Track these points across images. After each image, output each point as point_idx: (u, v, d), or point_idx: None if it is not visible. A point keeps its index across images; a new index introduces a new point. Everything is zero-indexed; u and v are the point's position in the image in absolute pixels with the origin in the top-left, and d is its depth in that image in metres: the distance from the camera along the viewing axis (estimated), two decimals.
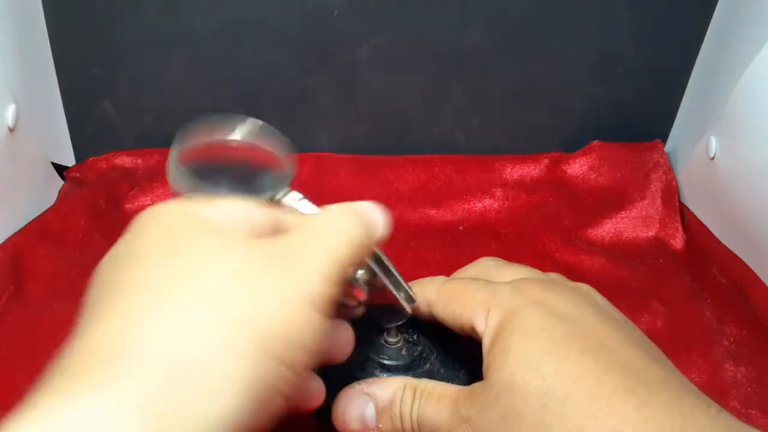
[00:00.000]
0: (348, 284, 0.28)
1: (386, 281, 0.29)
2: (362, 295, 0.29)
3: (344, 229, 0.25)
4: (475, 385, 0.25)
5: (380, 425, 0.27)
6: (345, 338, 0.27)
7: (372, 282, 0.29)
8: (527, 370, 0.23)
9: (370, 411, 0.27)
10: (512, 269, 0.30)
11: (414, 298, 0.30)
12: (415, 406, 0.26)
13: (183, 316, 0.18)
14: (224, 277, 0.20)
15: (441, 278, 0.31)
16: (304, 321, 0.20)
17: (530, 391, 0.23)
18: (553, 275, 0.30)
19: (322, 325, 0.21)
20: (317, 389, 0.27)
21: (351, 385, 0.28)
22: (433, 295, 0.30)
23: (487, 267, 0.32)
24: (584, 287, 0.28)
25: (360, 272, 0.29)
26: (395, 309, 0.31)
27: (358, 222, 0.26)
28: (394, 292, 0.29)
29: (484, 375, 0.25)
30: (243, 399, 0.18)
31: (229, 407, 0.18)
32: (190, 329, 0.18)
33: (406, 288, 0.30)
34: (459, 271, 0.34)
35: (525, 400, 0.23)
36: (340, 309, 0.29)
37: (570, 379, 0.22)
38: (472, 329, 0.27)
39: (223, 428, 0.17)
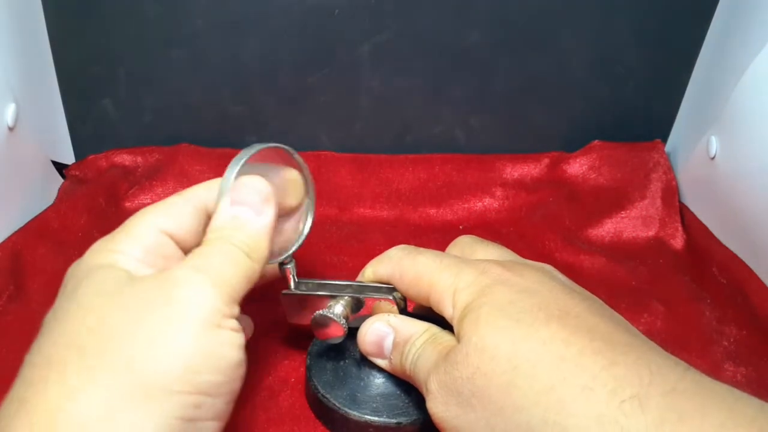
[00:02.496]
0: (329, 325, 0.31)
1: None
2: (342, 332, 0.31)
3: (225, 252, 0.26)
4: (451, 348, 0.26)
5: (391, 357, 0.29)
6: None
7: (348, 314, 0.31)
8: (497, 335, 0.24)
9: (388, 341, 0.29)
10: (484, 248, 0.31)
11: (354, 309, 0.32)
12: (422, 348, 0.27)
13: (83, 388, 0.21)
14: (120, 335, 0.22)
15: (396, 250, 0.31)
16: (200, 346, 0.23)
17: (500, 354, 0.23)
18: (516, 256, 0.31)
19: (220, 340, 0.23)
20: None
21: (383, 314, 0.30)
22: (396, 273, 0.30)
23: (461, 244, 0.33)
24: (547, 267, 0.29)
25: (338, 311, 0.31)
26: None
27: (237, 245, 0.26)
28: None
29: (456, 338, 0.26)
30: None
31: None
32: (89, 401, 0.21)
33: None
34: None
35: (494, 362, 0.23)
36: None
37: (539, 342, 0.23)
38: (439, 309, 0.28)
39: None
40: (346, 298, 0.32)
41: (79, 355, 0.22)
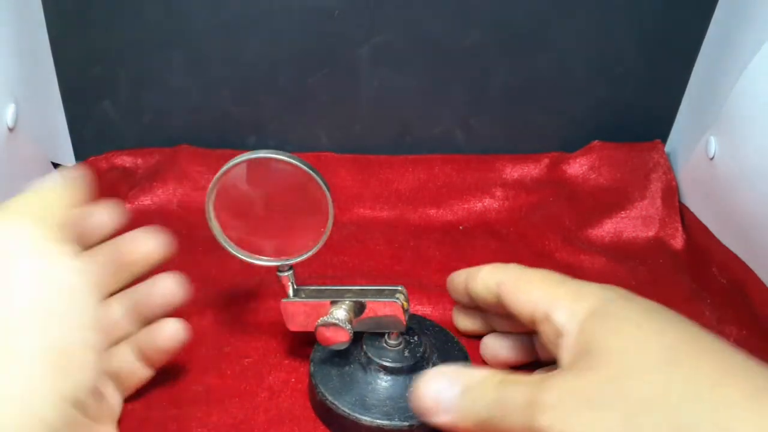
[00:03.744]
0: (333, 331, 0.31)
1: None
2: (348, 337, 0.31)
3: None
4: (563, 366, 0.25)
5: (460, 404, 0.26)
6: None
7: (351, 319, 0.31)
8: (647, 338, 0.23)
9: (453, 390, 0.26)
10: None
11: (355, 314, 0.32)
12: (497, 389, 0.25)
13: None
14: None
15: (515, 266, 0.31)
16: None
17: (653, 352, 0.22)
18: None
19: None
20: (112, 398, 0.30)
21: (433, 369, 0.28)
22: (512, 277, 0.30)
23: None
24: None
25: (342, 316, 0.31)
26: (391, 323, 0.32)
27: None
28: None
29: (572, 355, 0.25)
30: None
31: None
32: None
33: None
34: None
35: (647, 358, 0.22)
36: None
37: (699, 349, 0.22)
38: (545, 318, 0.27)
39: None
40: (347, 302, 0.31)
41: None
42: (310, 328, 0.32)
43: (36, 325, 0.21)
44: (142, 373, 0.31)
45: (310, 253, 0.31)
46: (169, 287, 0.31)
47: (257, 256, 0.32)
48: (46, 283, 0.22)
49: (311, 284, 0.33)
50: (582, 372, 0.23)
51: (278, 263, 0.32)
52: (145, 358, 0.31)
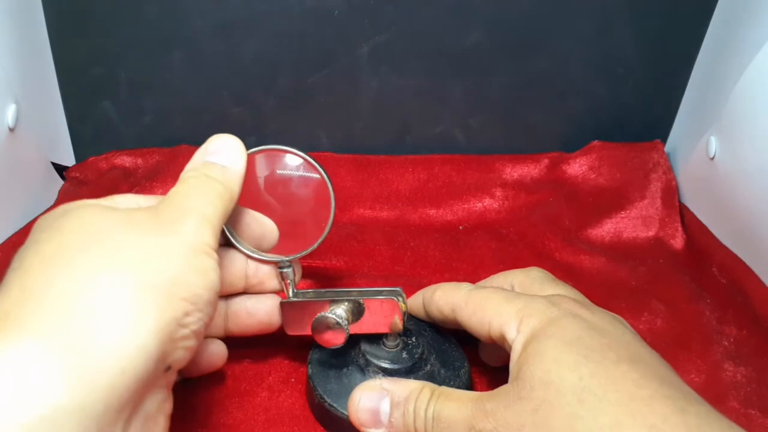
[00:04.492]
0: (330, 328, 0.31)
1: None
2: (344, 336, 0.31)
3: (205, 193, 0.27)
4: (503, 386, 0.26)
5: (392, 419, 0.28)
6: (238, 268, 0.32)
7: (349, 318, 0.31)
8: (565, 369, 0.24)
9: (385, 405, 0.28)
10: (554, 285, 0.31)
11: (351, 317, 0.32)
12: (432, 404, 0.27)
13: (93, 279, 0.22)
14: (123, 244, 0.23)
15: (466, 285, 0.32)
16: (192, 264, 0.24)
17: (567, 387, 0.23)
18: (586, 299, 0.31)
19: (207, 264, 0.25)
20: (219, 351, 0.32)
21: (372, 379, 0.29)
22: (461, 301, 0.31)
23: (532, 277, 0.32)
24: (616, 315, 0.29)
25: (340, 313, 0.31)
26: (389, 323, 0.32)
27: (214, 183, 0.28)
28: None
29: (512, 375, 0.26)
30: (155, 334, 0.22)
31: (143, 341, 0.21)
32: (100, 289, 0.21)
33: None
34: (501, 274, 0.35)
35: (560, 394, 0.23)
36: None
37: (608, 381, 0.23)
38: (501, 336, 0.28)
39: (141, 358, 0.21)
40: (346, 302, 0.31)
41: (84, 251, 0.22)
42: (308, 332, 0.32)
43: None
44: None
45: (311, 249, 0.32)
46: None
47: (259, 250, 0.32)
48: (196, 273, 0.24)
49: (311, 288, 0.33)
50: (513, 400, 0.25)
51: (279, 259, 0.32)
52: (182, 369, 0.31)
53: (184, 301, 0.23)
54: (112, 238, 0.23)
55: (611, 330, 0.26)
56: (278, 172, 0.31)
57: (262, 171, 0.31)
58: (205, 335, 0.26)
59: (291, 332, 0.33)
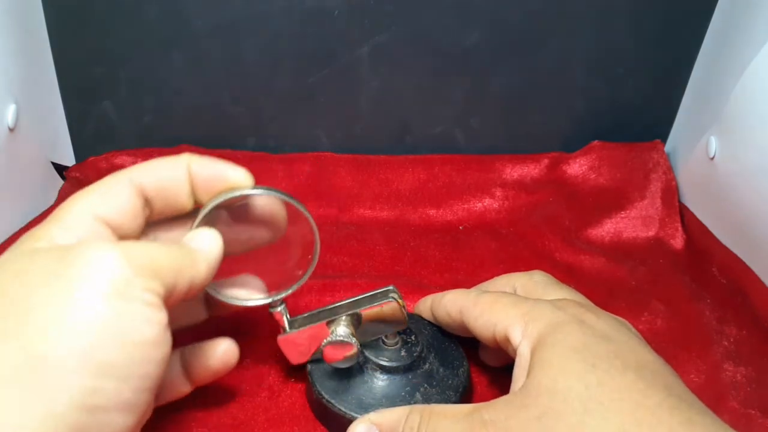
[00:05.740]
0: (340, 349, 0.30)
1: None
2: (356, 350, 0.30)
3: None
4: (503, 396, 0.25)
5: None
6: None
7: (353, 331, 0.31)
8: (571, 378, 0.24)
9: None
10: (558, 288, 0.31)
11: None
12: (423, 427, 0.26)
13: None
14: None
15: (474, 291, 0.32)
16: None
17: (573, 396, 0.23)
18: (591, 303, 0.30)
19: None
20: (231, 349, 0.29)
21: (361, 417, 0.28)
22: (470, 303, 0.30)
23: (535, 281, 0.32)
24: (621, 319, 0.29)
25: (342, 332, 0.30)
26: (392, 323, 0.31)
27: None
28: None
29: (516, 382, 0.26)
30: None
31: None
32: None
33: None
34: (503, 276, 0.35)
35: (566, 403, 0.23)
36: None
37: (614, 390, 0.23)
38: (506, 339, 0.27)
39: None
40: (343, 317, 0.31)
41: None
42: (310, 357, 0.32)
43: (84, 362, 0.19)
44: (183, 388, 0.30)
45: (299, 283, 0.31)
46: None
47: (245, 297, 0.30)
48: (103, 330, 0.20)
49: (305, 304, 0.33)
50: (517, 408, 0.24)
51: (269, 300, 0.31)
52: (191, 374, 0.29)
53: (87, 376, 0.19)
54: (5, 302, 0.20)
55: (617, 336, 0.26)
56: (251, 213, 0.29)
57: (233, 216, 0.29)
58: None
59: (296, 362, 0.32)
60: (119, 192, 0.26)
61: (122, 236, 0.25)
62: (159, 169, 0.27)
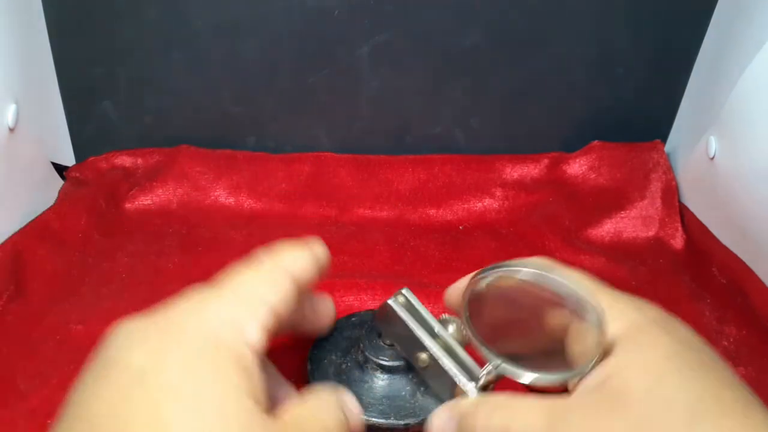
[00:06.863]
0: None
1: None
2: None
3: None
4: (578, 393, 0.24)
5: None
6: None
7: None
8: (672, 387, 0.22)
9: (452, 423, 0.26)
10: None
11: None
12: (496, 417, 0.24)
13: None
14: None
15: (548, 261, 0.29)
16: None
17: (679, 405, 0.22)
18: None
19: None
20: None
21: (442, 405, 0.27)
22: (548, 263, 0.28)
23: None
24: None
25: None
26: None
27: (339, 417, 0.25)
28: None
29: (594, 381, 0.24)
30: None
31: None
32: None
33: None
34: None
35: (670, 412, 0.22)
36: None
37: (719, 403, 0.22)
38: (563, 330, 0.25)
39: None
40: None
41: None
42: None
43: None
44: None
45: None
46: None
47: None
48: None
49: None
50: (601, 410, 0.22)
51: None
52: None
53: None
54: None
55: (696, 344, 0.25)
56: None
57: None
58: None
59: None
60: (287, 288, 0.25)
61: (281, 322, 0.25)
62: (307, 265, 0.27)
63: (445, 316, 0.30)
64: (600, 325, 0.24)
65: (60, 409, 0.20)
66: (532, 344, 0.27)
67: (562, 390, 0.25)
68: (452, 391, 0.28)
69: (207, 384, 0.20)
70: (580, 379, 0.24)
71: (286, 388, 0.28)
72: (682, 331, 0.25)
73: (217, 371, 0.21)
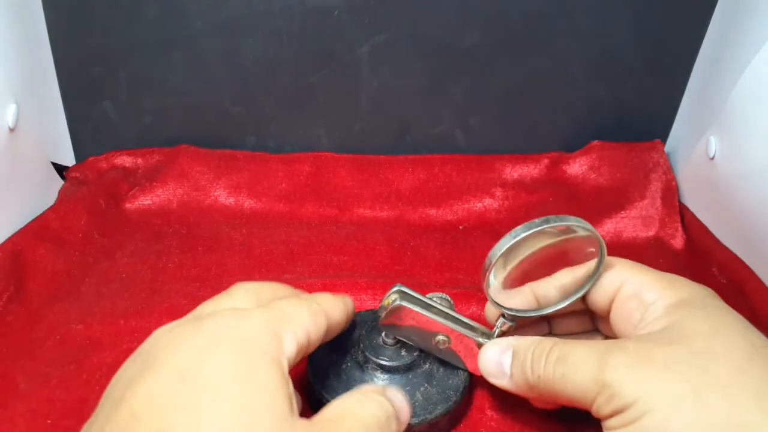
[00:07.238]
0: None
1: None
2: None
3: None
4: (638, 336, 0.26)
5: (513, 370, 0.28)
6: None
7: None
8: (735, 332, 0.24)
9: (507, 358, 0.29)
10: None
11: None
12: (556, 349, 0.27)
13: None
14: None
15: None
16: None
17: (739, 344, 0.24)
18: None
19: None
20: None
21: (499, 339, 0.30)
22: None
23: None
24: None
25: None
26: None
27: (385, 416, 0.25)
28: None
29: (641, 334, 0.26)
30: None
31: None
32: None
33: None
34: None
35: (730, 349, 0.24)
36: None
37: None
38: (635, 294, 0.28)
39: None
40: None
41: None
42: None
43: None
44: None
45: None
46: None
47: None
48: None
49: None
50: (660, 343, 0.24)
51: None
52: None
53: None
54: None
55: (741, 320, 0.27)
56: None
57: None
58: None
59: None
60: (322, 325, 0.27)
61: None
62: (340, 311, 0.29)
63: (431, 294, 0.32)
64: (602, 251, 0.28)
65: (59, 409, 0.21)
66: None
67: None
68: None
69: (247, 386, 0.21)
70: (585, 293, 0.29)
71: (298, 398, 0.29)
72: (723, 304, 0.27)
73: (257, 374, 0.22)
